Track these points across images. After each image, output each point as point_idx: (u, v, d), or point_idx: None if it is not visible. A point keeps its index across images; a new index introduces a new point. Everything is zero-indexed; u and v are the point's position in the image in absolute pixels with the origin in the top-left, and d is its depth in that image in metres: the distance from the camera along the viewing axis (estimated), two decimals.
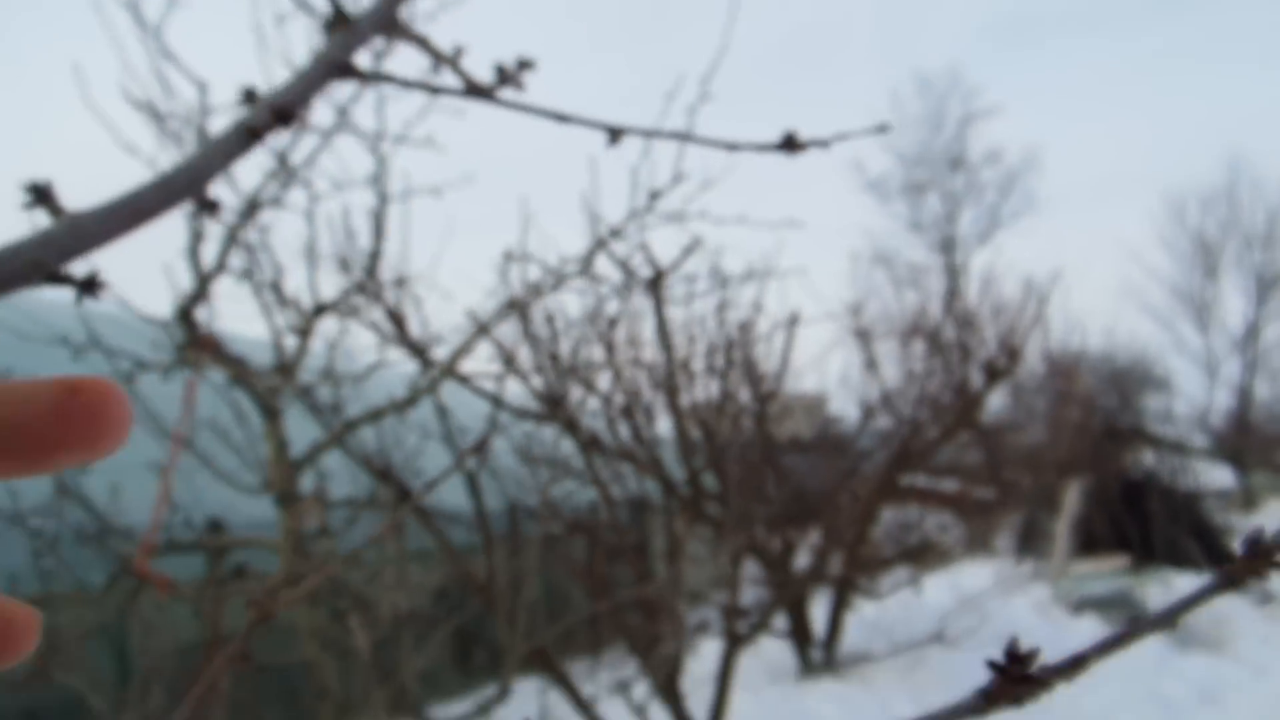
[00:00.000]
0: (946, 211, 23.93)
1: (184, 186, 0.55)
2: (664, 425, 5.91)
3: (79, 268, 0.49)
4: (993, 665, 0.42)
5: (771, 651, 7.45)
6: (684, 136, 0.86)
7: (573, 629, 6.11)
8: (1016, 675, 0.41)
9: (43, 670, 2.60)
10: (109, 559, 2.39)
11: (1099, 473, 10.56)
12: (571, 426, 5.13)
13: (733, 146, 0.90)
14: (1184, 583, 8.91)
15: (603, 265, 6.04)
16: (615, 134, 0.82)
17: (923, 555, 8.87)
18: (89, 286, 0.49)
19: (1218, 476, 13.56)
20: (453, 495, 5.09)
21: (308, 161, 2.61)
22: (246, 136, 0.59)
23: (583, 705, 4.25)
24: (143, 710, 2.44)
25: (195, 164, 0.57)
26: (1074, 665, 0.43)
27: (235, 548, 3.38)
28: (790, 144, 0.89)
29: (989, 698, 0.42)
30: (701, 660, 6.34)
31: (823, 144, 0.92)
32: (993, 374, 7.59)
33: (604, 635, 5.44)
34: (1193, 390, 18.64)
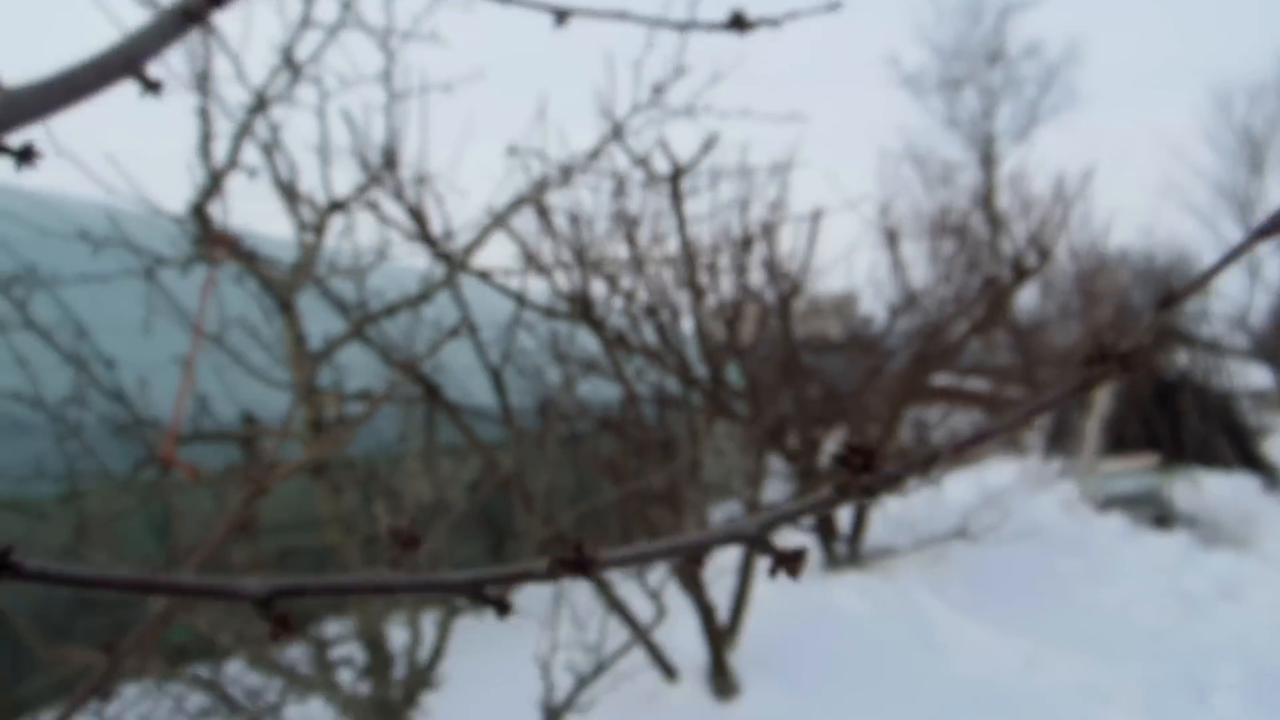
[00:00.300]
0: (984, 107, 23.34)
1: (119, 66, 0.59)
2: (689, 324, 5.95)
3: (15, 140, 0.54)
4: (838, 459, 0.45)
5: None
6: (624, 16, 0.88)
7: (600, 520, 6.27)
8: (859, 466, 0.44)
9: (80, 556, 2.74)
10: (136, 450, 2.50)
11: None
12: (597, 325, 5.19)
13: (683, 26, 0.92)
14: (1213, 481, 8.93)
15: (622, 162, 6.02)
16: (561, 16, 0.84)
17: (953, 455, 8.89)
18: (25, 156, 0.54)
19: (1256, 377, 13.43)
20: (482, 393, 5.21)
21: (314, 57, 2.62)
22: (182, 19, 0.63)
23: (600, 585, 4.39)
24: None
25: (130, 45, 0.60)
26: (925, 461, 0.47)
27: (264, 438, 3.50)
28: (739, 23, 0.91)
29: (840, 490, 0.46)
30: (727, 552, 6.49)
31: (773, 23, 0.94)
32: (1020, 272, 7.53)
33: (633, 530, 5.57)
34: (1233, 290, 18.34)
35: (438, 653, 2.82)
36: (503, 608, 0.52)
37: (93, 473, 2.42)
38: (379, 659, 2.73)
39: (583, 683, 2.72)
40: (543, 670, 2.58)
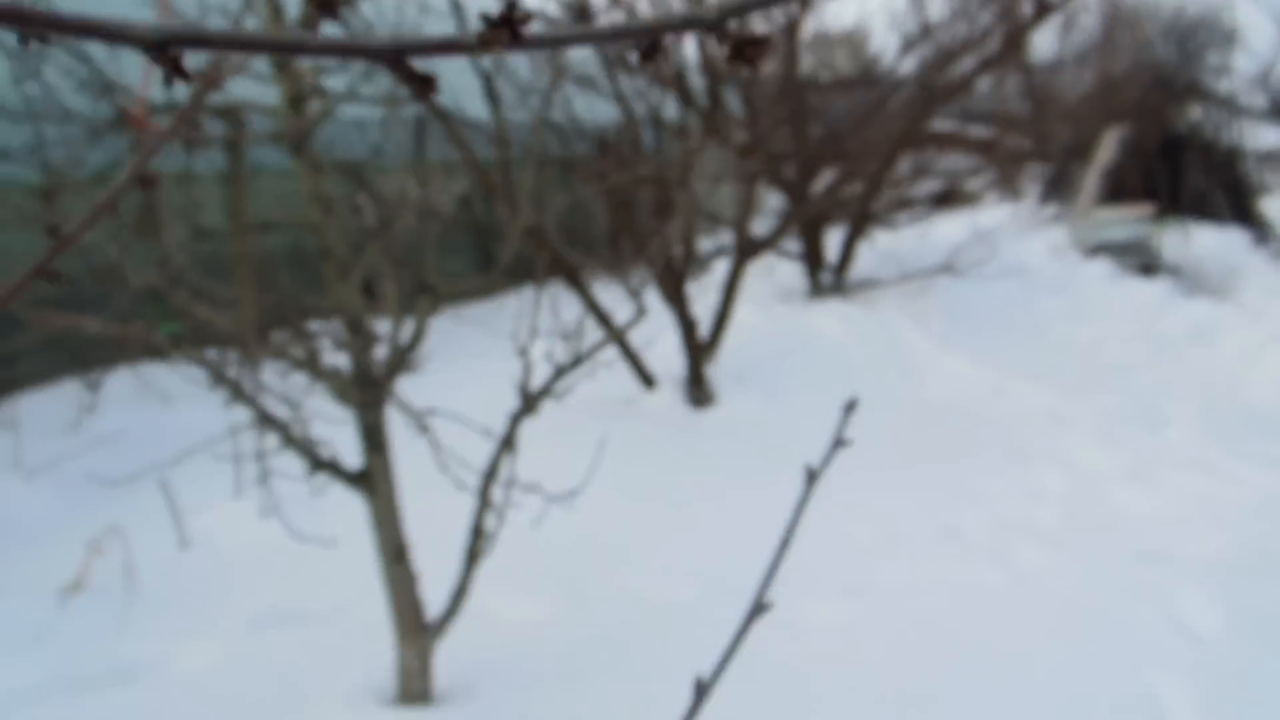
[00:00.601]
0: None
1: None
2: (692, 48, 5.76)
3: None
4: (488, 19, 0.40)
5: (785, 276, 7.70)
6: None
7: (590, 240, 6.30)
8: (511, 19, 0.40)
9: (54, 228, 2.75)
10: (104, 111, 2.45)
11: (1141, 124, 10.28)
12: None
13: None
14: (1204, 234, 8.94)
15: None
16: None
17: (949, 199, 8.88)
18: None
19: (1268, 137, 13.17)
20: (476, 107, 5.10)
21: None
22: None
23: (578, 286, 4.47)
24: (167, 272, 2.62)
25: None
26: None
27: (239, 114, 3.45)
28: None
29: (484, 40, 0.41)
30: (715, 276, 6.59)
31: None
32: (1042, 7, 7.22)
33: (621, 244, 5.61)
34: (1261, 46, 17.62)
35: (418, 335, 2.90)
36: (425, 83, 0.51)
37: (57, 115, 2.36)
38: (360, 338, 2.81)
39: (560, 371, 2.83)
40: (520, 353, 2.67)
